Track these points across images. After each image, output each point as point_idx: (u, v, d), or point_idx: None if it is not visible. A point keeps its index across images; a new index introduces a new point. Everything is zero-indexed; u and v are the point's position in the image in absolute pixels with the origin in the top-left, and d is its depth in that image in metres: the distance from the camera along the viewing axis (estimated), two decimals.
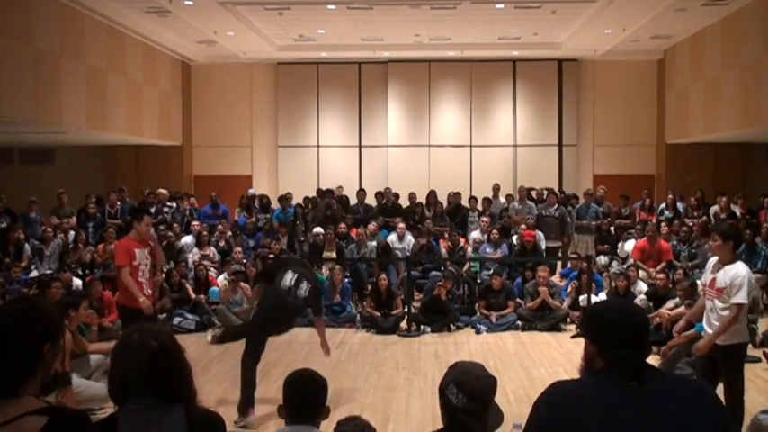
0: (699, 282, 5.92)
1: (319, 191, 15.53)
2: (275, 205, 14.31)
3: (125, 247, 7.10)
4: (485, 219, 12.77)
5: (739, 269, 5.26)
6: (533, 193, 14.23)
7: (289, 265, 6.72)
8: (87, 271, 11.25)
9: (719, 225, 5.72)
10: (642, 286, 10.09)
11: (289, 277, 6.34)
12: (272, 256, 11.73)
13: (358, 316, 10.49)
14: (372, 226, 12.62)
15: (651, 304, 9.14)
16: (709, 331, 5.39)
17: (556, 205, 13.01)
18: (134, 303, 6.90)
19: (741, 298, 5.20)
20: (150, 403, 2.01)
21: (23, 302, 2.17)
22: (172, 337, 2.17)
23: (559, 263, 12.51)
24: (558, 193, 14.06)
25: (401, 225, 12.62)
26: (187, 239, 12.31)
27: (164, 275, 10.44)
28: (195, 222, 12.91)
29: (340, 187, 15.66)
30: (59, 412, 2.04)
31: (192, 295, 10.59)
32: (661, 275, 9.67)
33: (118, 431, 2.00)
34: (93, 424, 2.11)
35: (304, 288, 6.35)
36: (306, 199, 14.85)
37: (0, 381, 2.00)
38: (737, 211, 13.19)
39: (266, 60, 17.68)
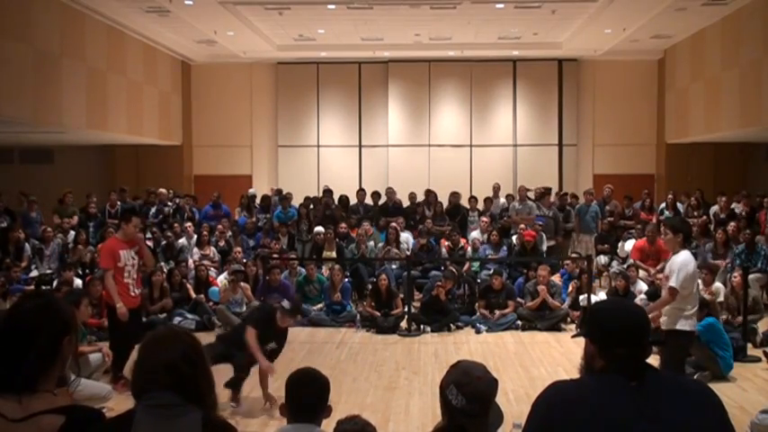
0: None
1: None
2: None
3: (109, 248, 7.11)
4: (484, 219, 12.80)
5: (681, 257, 5.63)
6: (530, 194, 14.23)
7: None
8: (87, 271, 11.26)
9: (671, 219, 6.25)
10: (642, 286, 10.09)
11: None
12: (275, 256, 11.74)
13: (358, 316, 10.49)
14: (366, 226, 12.57)
15: (651, 304, 9.12)
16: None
17: (549, 205, 13.17)
18: (123, 302, 6.93)
19: (673, 282, 5.58)
20: (169, 402, 2.01)
21: (39, 299, 2.21)
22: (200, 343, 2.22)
23: None
24: (549, 193, 14.05)
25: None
26: (182, 241, 12.31)
27: (164, 275, 10.45)
28: (189, 224, 12.87)
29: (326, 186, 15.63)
30: (77, 412, 2.06)
31: (193, 295, 10.60)
32: (660, 275, 9.65)
33: (133, 428, 2.00)
34: (108, 420, 2.12)
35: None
36: (307, 198, 14.83)
37: (23, 376, 2.03)
38: (739, 209, 13.16)
39: (266, 60, 17.68)
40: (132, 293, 7.08)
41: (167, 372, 2.03)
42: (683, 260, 5.63)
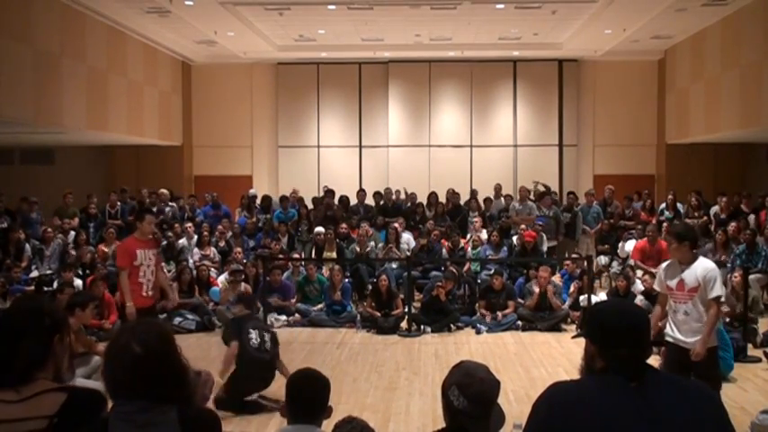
0: (655, 286, 5.70)
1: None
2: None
3: (126, 248, 7.12)
4: (476, 219, 12.84)
5: (707, 264, 5.19)
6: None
7: (246, 323, 6.68)
8: (87, 271, 11.25)
9: (674, 227, 5.57)
10: (642, 286, 10.08)
11: (252, 336, 6.49)
12: (278, 257, 11.74)
13: (358, 316, 10.49)
14: (366, 227, 12.57)
15: (651, 304, 9.13)
16: (681, 337, 5.15)
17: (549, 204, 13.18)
18: (135, 302, 6.94)
19: (718, 290, 5.07)
20: (140, 405, 1.98)
21: (32, 301, 2.34)
22: (164, 338, 2.07)
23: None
24: (548, 193, 14.04)
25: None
26: (182, 241, 12.31)
27: (166, 275, 10.42)
28: (189, 224, 12.87)
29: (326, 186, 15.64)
30: (79, 391, 2.13)
31: (197, 295, 10.61)
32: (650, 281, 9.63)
33: None
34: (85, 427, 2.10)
35: (267, 339, 6.57)
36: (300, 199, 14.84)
37: (17, 371, 2.09)
38: (743, 209, 13.13)
39: (266, 60, 17.68)
40: (145, 293, 7.06)
41: (123, 380, 2.00)
42: (711, 266, 5.16)
